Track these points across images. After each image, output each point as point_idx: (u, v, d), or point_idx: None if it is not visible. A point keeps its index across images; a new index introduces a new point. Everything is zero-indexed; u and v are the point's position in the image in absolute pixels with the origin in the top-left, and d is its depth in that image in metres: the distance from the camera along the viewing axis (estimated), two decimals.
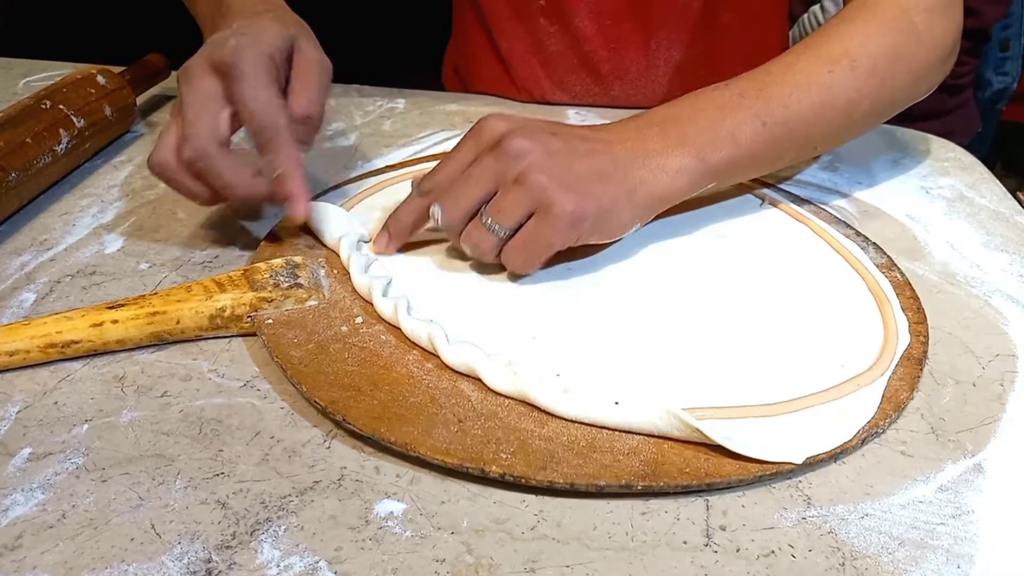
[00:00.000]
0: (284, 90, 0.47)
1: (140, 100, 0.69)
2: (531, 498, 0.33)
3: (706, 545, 0.31)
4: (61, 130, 0.56)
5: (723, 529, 0.32)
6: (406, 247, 0.49)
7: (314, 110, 0.47)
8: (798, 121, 0.49)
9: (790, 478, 0.34)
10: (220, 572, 0.29)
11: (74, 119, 0.58)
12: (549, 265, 0.47)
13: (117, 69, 0.67)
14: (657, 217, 0.49)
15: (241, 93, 0.44)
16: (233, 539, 0.31)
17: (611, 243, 0.48)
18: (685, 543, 0.31)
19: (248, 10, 0.50)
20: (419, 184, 0.47)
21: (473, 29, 0.83)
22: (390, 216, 0.48)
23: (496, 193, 0.44)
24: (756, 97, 0.48)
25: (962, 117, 1.04)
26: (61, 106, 0.57)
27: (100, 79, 0.63)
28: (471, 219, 0.45)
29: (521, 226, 0.44)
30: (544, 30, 0.77)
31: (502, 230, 0.44)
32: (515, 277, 0.46)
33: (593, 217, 0.44)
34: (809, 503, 0.33)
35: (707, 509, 0.33)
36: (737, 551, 0.31)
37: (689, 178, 0.47)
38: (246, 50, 0.45)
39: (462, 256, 0.48)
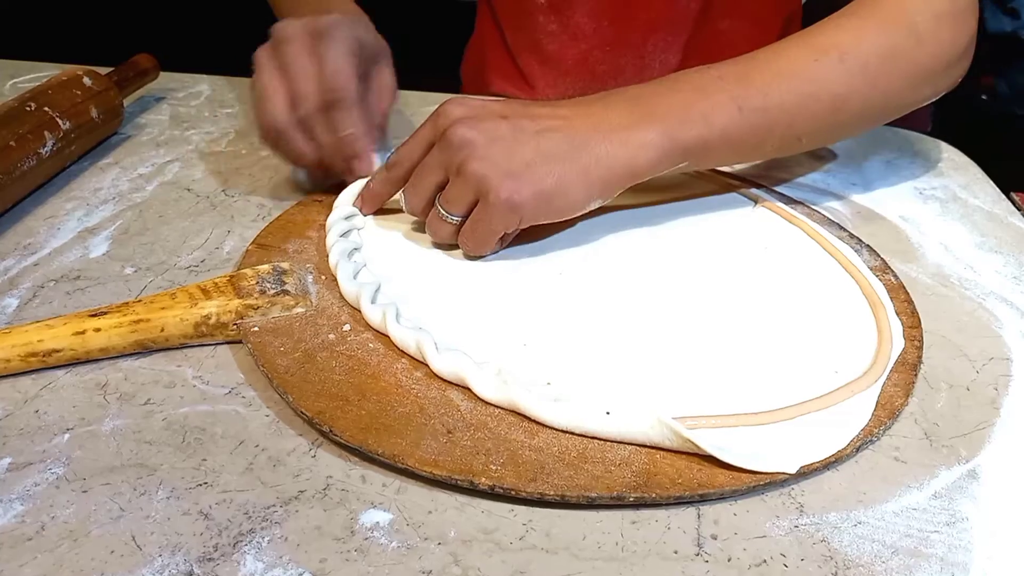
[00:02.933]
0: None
1: (127, 101, 0.68)
2: (520, 508, 0.33)
3: (697, 554, 0.31)
4: (46, 132, 0.55)
5: (714, 538, 0.31)
6: (399, 246, 0.50)
7: (383, 120, 0.54)
8: (778, 109, 0.48)
9: (783, 486, 0.34)
10: None
11: (59, 121, 0.57)
12: (533, 242, 0.49)
13: (104, 70, 0.66)
14: (649, 221, 0.49)
15: (325, 52, 0.49)
16: (215, 551, 0.30)
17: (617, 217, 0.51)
18: (676, 552, 0.31)
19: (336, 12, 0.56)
20: (387, 160, 0.50)
21: (487, 22, 0.84)
22: (365, 184, 0.52)
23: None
24: (736, 81, 0.48)
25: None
26: (46, 108, 0.57)
27: (86, 80, 0.62)
28: (431, 206, 0.48)
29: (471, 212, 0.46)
30: (543, 28, 0.77)
31: (453, 217, 0.47)
32: (505, 283, 0.46)
33: (532, 202, 0.45)
34: (802, 511, 0.33)
35: (698, 518, 0.32)
36: (728, 560, 0.30)
37: (653, 153, 0.46)
38: (342, 25, 0.51)
39: (449, 261, 0.48)
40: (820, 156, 0.63)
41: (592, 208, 0.47)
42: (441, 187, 0.47)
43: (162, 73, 0.75)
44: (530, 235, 0.49)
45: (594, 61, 0.77)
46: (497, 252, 0.48)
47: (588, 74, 0.78)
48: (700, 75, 0.48)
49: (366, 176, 0.52)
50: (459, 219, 0.47)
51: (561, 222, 0.48)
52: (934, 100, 0.54)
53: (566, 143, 0.45)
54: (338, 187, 0.54)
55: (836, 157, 0.63)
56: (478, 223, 0.46)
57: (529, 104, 0.48)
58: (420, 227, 0.51)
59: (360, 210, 0.52)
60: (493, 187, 0.44)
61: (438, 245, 0.49)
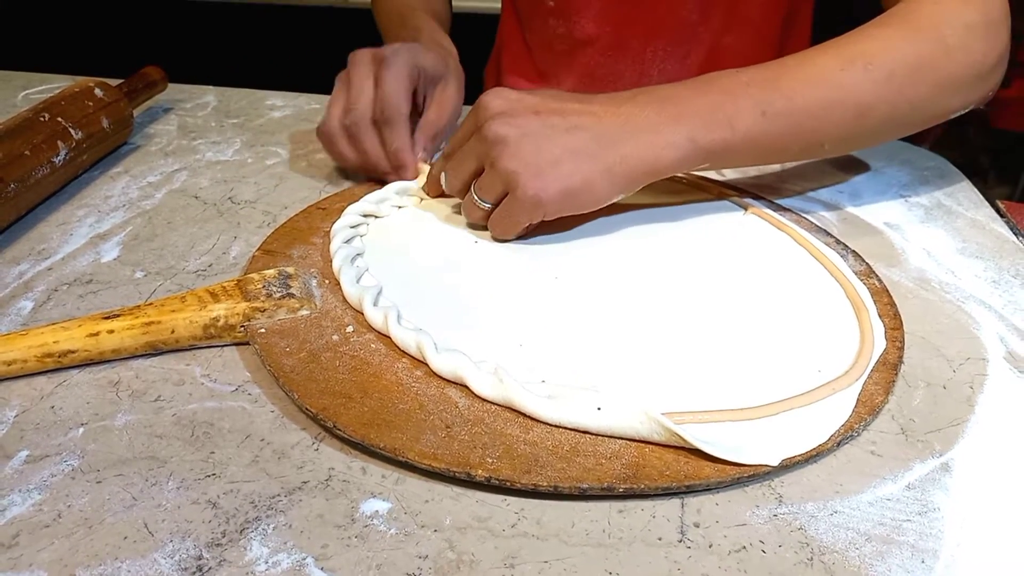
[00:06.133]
0: (420, 105, 0.61)
1: (137, 112, 0.70)
2: (512, 497, 0.34)
3: (680, 541, 0.32)
4: (59, 142, 0.57)
5: (697, 526, 0.33)
6: (400, 251, 0.51)
7: (439, 131, 0.61)
8: (802, 115, 0.49)
9: (765, 478, 0.35)
10: (210, 569, 0.30)
11: (72, 131, 0.59)
12: (531, 246, 0.52)
13: (115, 82, 0.68)
14: (641, 226, 0.50)
15: (382, 75, 0.57)
16: (223, 537, 0.32)
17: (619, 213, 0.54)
18: (660, 539, 0.32)
19: (424, 40, 0.65)
20: (444, 149, 0.55)
21: (510, 22, 0.88)
22: (429, 170, 0.57)
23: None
24: (762, 87, 0.49)
25: None
26: (59, 118, 0.59)
27: (98, 92, 0.64)
28: (468, 188, 0.52)
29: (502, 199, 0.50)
30: (552, 31, 0.80)
31: (485, 203, 0.51)
32: (502, 287, 0.48)
33: (557, 198, 0.48)
34: (781, 501, 0.34)
35: (682, 507, 0.34)
36: (710, 547, 0.32)
37: (677, 154, 0.48)
38: (401, 52, 0.59)
39: (449, 266, 0.50)
40: (815, 165, 0.65)
41: (614, 200, 0.50)
42: (477, 174, 0.51)
43: (170, 84, 0.77)
44: (547, 227, 0.52)
45: (595, 65, 0.80)
46: (523, 237, 0.52)
47: (588, 78, 0.81)
48: (729, 79, 0.50)
49: (409, 179, 0.58)
50: (490, 206, 0.50)
51: (568, 219, 0.51)
52: (965, 111, 0.54)
53: (594, 142, 0.47)
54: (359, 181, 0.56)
55: (823, 166, 0.64)
56: (506, 214, 0.50)
57: (563, 98, 0.50)
58: (420, 234, 0.53)
59: (427, 192, 0.57)
60: (521, 184, 0.47)
61: (442, 248, 0.52)
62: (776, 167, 0.64)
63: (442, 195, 0.56)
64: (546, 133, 0.47)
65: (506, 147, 0.47)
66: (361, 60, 0.58)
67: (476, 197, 0.51)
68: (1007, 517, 0.33)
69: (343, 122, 0.57)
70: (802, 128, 0.50)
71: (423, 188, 0.57)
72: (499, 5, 0.90)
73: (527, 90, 0.51)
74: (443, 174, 0.53)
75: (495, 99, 0.49)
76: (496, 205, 0.50)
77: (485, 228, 0.53)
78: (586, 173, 0.47)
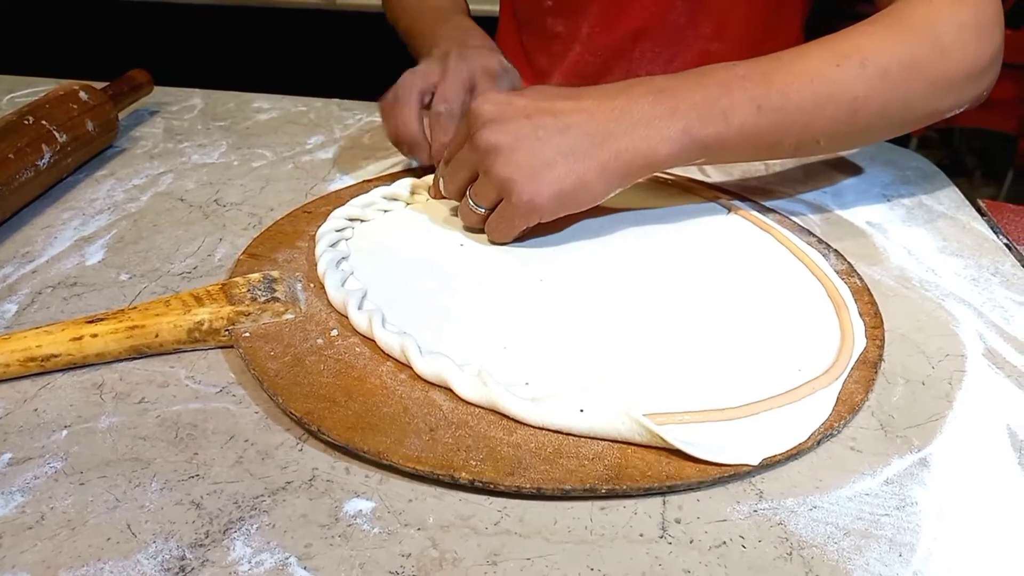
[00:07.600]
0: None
1: (122, 115, 0.70)
2: (495, 496, 0.34)
3: (661, 537, 0.32)
4: (43, 145, 0.57)
5: (678, 522, 0.33)
6: (385, 255, 0.51)
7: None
8: (796, 110, 0.49)
9: (746, 476, 0.35)
10: (193, 569, 0.31)
11: (56, 134, 0.59)
12: (516, 250, 0.52)
13: (100, 85, 0.68)
14: (626, 229, 0.51)
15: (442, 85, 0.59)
16: (206, 537, 0.32)
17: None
18: (641, 536, 0.32)
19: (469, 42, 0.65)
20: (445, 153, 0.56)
21: (508, 26, 0.88)
22: (435, 173, 0.57)
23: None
24: (758, 81, 0.49)
25: None
26: (44, 122, 0.59)
27: (82, 95, 0.64)
28: (464, 192, 0.52)
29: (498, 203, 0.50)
30: (551, 30, 0.81)
31: (481, 208, 0.51)
32: (487, 290, 0.48)
33: (552, 201, 0.48)
34: (761, 497, 0.34)
35: (663, 504, 0.34)
36: (690, 542, 0.32)
37: (672, 148, 0.48)
38: (468, 57, 0.60)
39: (433, 270, 0.50)
40: (799, 166, 0.65)
41: (612, 195, 0.50)
42: (472, 180, 0.51)
43: (156, 87, 0.77)
44: (537, 227, 0.52)
45: (583, 64, 0.80)
46: (516, 240, 0.52)
47: (578, 77, 0.81)
48: (725, 72, 0.50)
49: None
50: (485, 210, 0.51)
51: (557, 220, 0.51)
52: (959, 111, 0.54)
53: (587, 140, 0.47)
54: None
55: (806, 166, 0.65)
56: (501, 219, 0.50)
57: (553, 95, 0.50)
58: (405, 238, 0.53)
59: (430, 194, 0.58)
60: (516, 190, 0.48)
61: (427, 252, 0.52)
62: (761, 169, 0.65)
63: (443, 197, 0.56)
64: (539, 136, 0.47)
65: (499, 155, 0.48)
66: (448, 58, 0.60)
67: (472, 203, 0.51)
68: (983, 511, 0.34)
69: (422, 91, 0.58)
70: (796, 123, 0.50)
71: (428, 191, 0.58)
72: (496, 8, 0.90)
73: (516, 91, 0.51)
74: (439, 179, 0.54)
75: (484, 104, 0.49)
76: (492, 209, 0.51)
77: (481, 231, 0.53)
78: (580, 173, 0.47)
